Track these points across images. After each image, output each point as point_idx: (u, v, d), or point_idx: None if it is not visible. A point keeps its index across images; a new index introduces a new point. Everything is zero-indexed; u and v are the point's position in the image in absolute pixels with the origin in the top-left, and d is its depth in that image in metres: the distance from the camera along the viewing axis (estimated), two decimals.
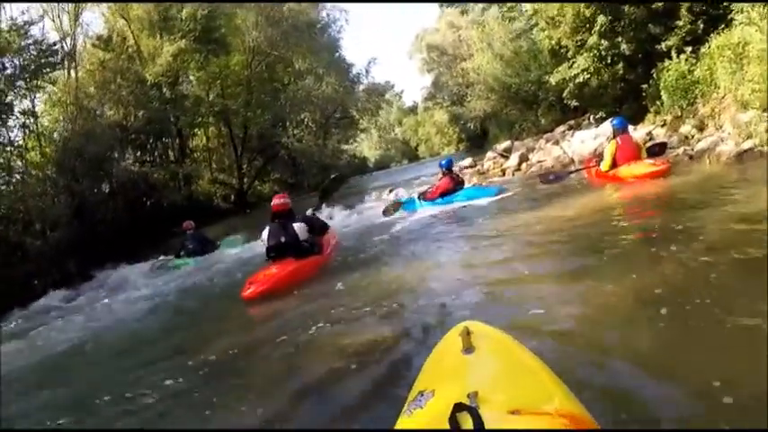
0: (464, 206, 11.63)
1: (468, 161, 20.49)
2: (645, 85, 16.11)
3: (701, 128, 12.73)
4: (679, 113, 14.08)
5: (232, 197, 34.21)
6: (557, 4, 17.09)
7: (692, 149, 11.65)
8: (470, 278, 5.89)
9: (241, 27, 34.86)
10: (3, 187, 18.83)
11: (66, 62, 23.53)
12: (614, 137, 10.69)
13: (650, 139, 13.98)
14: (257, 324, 6.74)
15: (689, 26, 14.62)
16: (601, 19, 16.44)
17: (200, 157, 35.30)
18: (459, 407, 1.57)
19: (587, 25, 16.94)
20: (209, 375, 4.85)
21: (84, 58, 26.37)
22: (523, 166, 17.70)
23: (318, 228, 8.69)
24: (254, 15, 34.22)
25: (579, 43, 17.37)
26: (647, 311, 3.78)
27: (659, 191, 8.74)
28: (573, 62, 17.43)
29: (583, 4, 16.42)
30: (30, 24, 19.96)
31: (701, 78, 13.55)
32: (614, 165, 10.39)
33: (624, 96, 18.19)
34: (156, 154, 30.04)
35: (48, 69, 20.78)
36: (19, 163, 20.18)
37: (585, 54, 16.94)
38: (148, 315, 8.61)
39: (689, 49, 14.28)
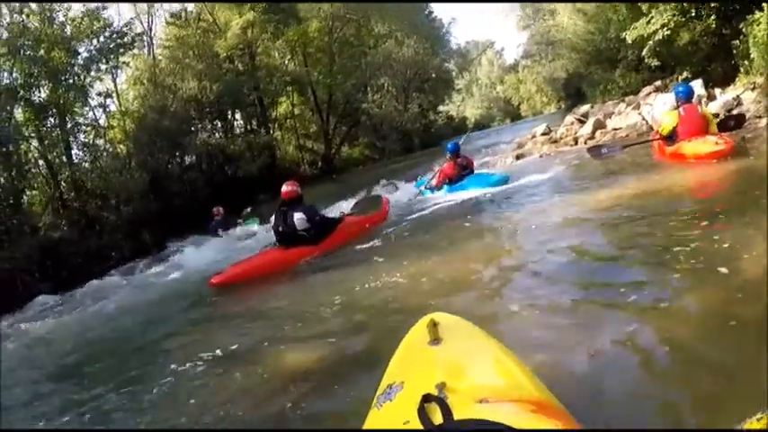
0: (482, 193, 10.62)
1: (542, 128, 18.76)
2: (736, 41, 13.76)
3: None
4: None
5: (319, 163, 34.65)
6: None
7: None
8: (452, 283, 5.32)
9: None
10: (85, 164, 20.21)
11: (143, 40, 24.91)
12: (677, 106, 9.07)
13: (737, 105, 12.50)
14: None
15: None
16: None
17: (287, 124, 35.87)
18: (427, 398, 1.60)
19: None
20: None
21: (160, 35, 27.78)
22: (597, 133, 15.75)
23: (317, 222, 8.58)
24: None
25: None
26: None
27: (719, 178, 7.43)
28: (650, 17, 14.99)
29: None
30: (102, 9, 20.92)
31: None
32: (677, 138, 8.82)
33: (714, 54, 15.78)
34: (234, 125, 31.01)
35: (122, 50, 21.69)
36: (99, 141, 21.54)
37: (664, 7, 14.59)
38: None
39: None
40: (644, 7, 16.18)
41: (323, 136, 36.33)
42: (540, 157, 15.20)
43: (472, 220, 8.67)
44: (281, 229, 8.37)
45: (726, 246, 4.25)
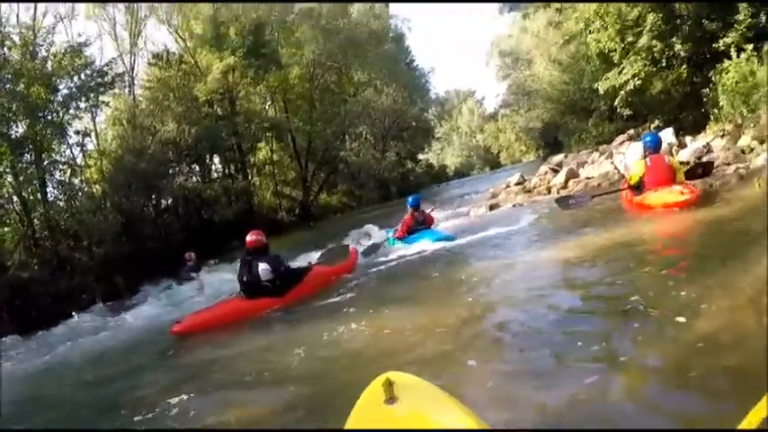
0: (452, 246, 10.63)
1: (515, 178, 18.71)
2: (706, 90, 13.97)
3: (761, 140, 10.58)
4: (740, 122, 11.82)
5: (297, 210, 34.68)
6: (596, 5, 14.86)
7: (747, 167, 9.48)
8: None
9: (300, 40, 35.72)
10: (60, 203, 19.96)
11: (124, 80, 24.87)
12: (645, 156, 9.24)
13: (707, 152, 12.62)
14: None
15: (749, 20, 12.30)
16: (651, 17, 14.22)
17: (266, 170, 35.99)
18: None
19: (636, 26, 14.65)
20: None
21: (142, 76, 28.06)
22: (570, 183, 16.08)
23: (282, 273, 8.48)
24: (312, 29, 34.92)
25: (627, 46, 15.12)
26: None
27: (683, 228, 7.58)
28: (622, 68, 15.09)
29: (625, 4, 14.19)
30: (85, 45, 20.95)
31: (764, 80, 11.99)
32: (643, 188, 9.00)
33: (685, 102, 15.97)
34: (212, 169, 31.25)
35: (102, 89, 21.52)
36: (75, 180, 21.25)
37: (634, 57, 14.76)
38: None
39: (750, 46, 11.87)
40: (615, 58, 16.28)
41: (301, 183, 36.58)
42: (513, 206, 15.29)
43: (439, 272, 8.58)
44: (245, 278, 8.33)
45: (686, 297, 4.33)
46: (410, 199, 12.59)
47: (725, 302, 4.07)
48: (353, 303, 7.49)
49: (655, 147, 9.21)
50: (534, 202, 15.04)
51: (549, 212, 11.76)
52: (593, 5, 16.17)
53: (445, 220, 15.77)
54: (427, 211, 13.13)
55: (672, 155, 13.51)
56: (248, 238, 8.51)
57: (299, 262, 10.73)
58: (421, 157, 60.53)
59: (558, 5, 20.15)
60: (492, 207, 16.08)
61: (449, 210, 17.92)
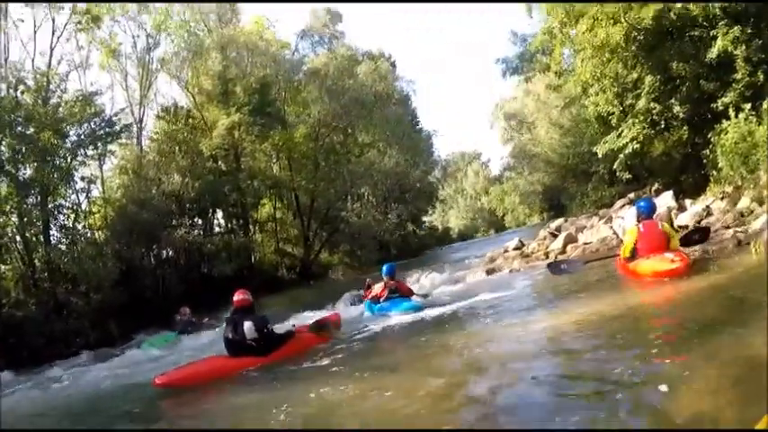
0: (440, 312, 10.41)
1: (514, 243, 18.80)
2: (706, 151, 13.94)
3: (761, 201, 10.20)
4: (739, 183, 11.46)
5: (297, 268, 34.50)
6: (590, 70, 14.76)
7: (746, 230, 9.05)
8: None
9: (306, 99, 36.73)
10: (62, 247, 20.42)
11: (132, 131, 25.68)
12: (638, 221, 9.04)
13: (707, 215, 12.58)
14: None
15: (747, 79, 12.08)
16: (649, 80, 14.05)
17: (268, 227, 36.11)
18: None
19: (635, 88, 14.50)
20: None
21: (150, 127, 28.92)
22: (569, 248, 15.79)
23: (266, 333, 8.57)
24: (317, 89, 35.77)
25: (626, 109, 14.92)
26: None
27: (672, 298, 7.33)
28: (620, 131, 14.89)
29: (622, 66, 14.07)
30: (96, 94, 21.94)
31: (763, 140, 11.81)
32: (636, 255, 8.74)
33: (686, 164, 15.67)
34: (215, 223, 31.32)
35: (110, 139, 22.21)
36: (78, 225, 21.77)
37: (633, 120, 14.55)
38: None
39: (748, 106, 11.61)
40: (613, 121, 16.10)
41: (303, 241, 36.57)
42: (510, 272, 15.13)
43: (426, 338, 8.46)
44: (230, 336, 8.46)
45: (668, 375, 4.23)
46: (385, 267, 12.61)
47: (711, 373, 4.05)
48: (337, 366, 7.54)
49: (648, 212, 9.06)
50: (531, 267, 14.84)
51: (544, 278, 11.65)
52: (589, 70, 15.98)
53: (442, 284, 15.61)
54: (404, 279, 13.50)
55: (671, 218, 13.21)
56: (235, 297, 8.70)
57: (293, 320, 11.48)
58: (425, 219, 60.34)
59: (556, 69, 20.03)
60: (489, 272, 15.94)
61: (445, 274, 17.51)
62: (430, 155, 56.33)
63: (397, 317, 10.67)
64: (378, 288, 12.08)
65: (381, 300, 11.79)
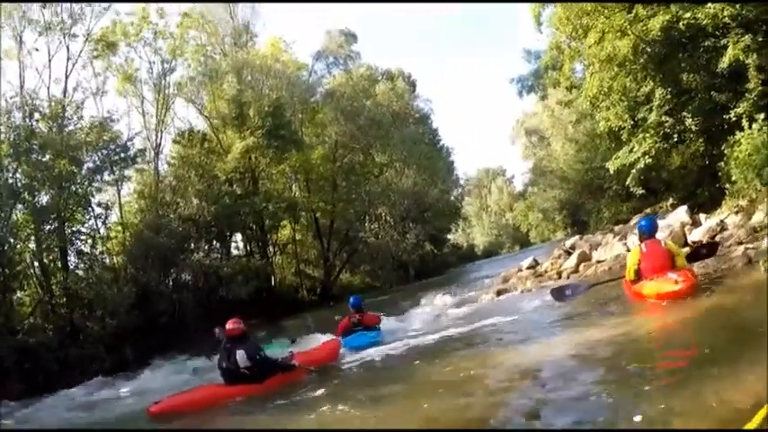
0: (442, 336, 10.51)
1: (528, 261, 18.38)
2: (721, 164, 13.60)
3: None
4: (754, 196, 10.90)
5: (318, 289, 34.69)
6: (597, 86, 14.42)
7: (757, 247, 8.64)
8: None
9: (323, 121, 36.84)
10: (79, 272, 20.53)
11: (147, 155, 25.71)
12: (640, 241, 8.85)
13: (721, 230, 12.22)
14: None
15: (760, 88, 11.66)
16: (659, 92, 13.58)
17: (288, 249, 36.27)
18: None
19: (647, 101, 14.11)
20: None
21: (167, 151, 29.12)
22: (582, 267, 15.57)
23: (258, 361, 8.59)
24: (333, 110, 36.01)
25: (639, 122, 14.49)
26: None
27: (676, 322, 7.21)
28: (632, 146, 14.49)
29: (631, 79, 13.71)
30: (111, 121, 22.36)
31: None
32: (641, 276, 8.50)
33: (701, 178, 15.15)
34: (232, 246, 31.47)
35: (124, 164, 22.65)
36: (95, 250, 21.94)
37: (643, 135, 14.12)
38: None
39: (761, 116, 11.15)
40: (624, 136, 15.66)
41: (323, 262, 36.69)
42: (521, 293, 14.93)
43: (426, 365, 8.43)
44: (224, 365, 8.58)
45: (674, 400, 4.19)
46: (352, 300, 12.76)
47: (688, 409, 3.97)
48: (332, 395, 7.53)
49: (650, 231, 8.83)
50: (543, 287, 14.43)
51: (550, 301, 11.22)
52: (596, 85, 15.57)
53: (452, 306, 15.57)
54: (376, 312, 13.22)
55: (684, 234, 12.72)
56: (228, 325, 8.71)
57: (296, 347, 11.30)
58: (450, 236, 59.85)
59: (566, 84, 19.63)
60: (500, 292, 15.72)
61: (457, 296, 17.58)
62: (451, 173, 55.92)
63: (395, 345, 10.60)
64: (343, 321, 12.25)
65: (344, 333, 11.92)
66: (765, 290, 6.98)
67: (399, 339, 11.22)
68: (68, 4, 22.38)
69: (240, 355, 8.39)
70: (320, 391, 7.78)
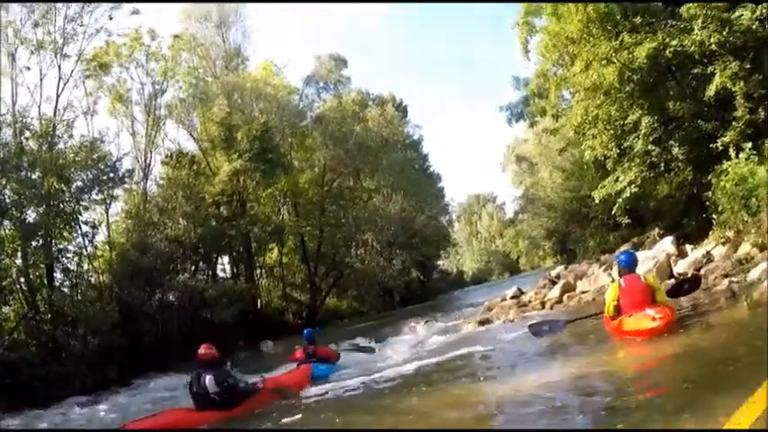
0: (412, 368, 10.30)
1: (512, 291, 18.19)
2: (709, 193, 13.32)
3: (762, 247, 9.29)
4: (740, 227, 10.51)
5: (304, 313, 34.23)
6: (581, 114, 14.16)
7: (744, 279, 8.18)
8: None
9: (312, 145, 36.98)
10: (65, 290, 20.51)
11: (134, 176, 25.73)
12: (619, 276, 8.66)
13: (707, 261, 11.85)
14: None
15: (747, 116, 11.31)
16: (645, 121, 13.25)
17: (275, 272, 36.20)
18: None
19: (634, 130, 13.83)
20: None
21: (155, 171, 29.10)
22: (565, 297, 15.42)
23: (225, 388, 8.53)
24: (321, 135, 36.18)
25: (627, 151, 14.17)
26: None
27: (653, 361, 6.90)
28: (617, 176, 14.17)
29: (617, 107, 13.39)
30: (101, 141, 22.38)
31: (764, 181, 11.11)
32: (620, 311, 8.22)
33: (688, 207, 14.91)
34: (218, 269, 31.41)
35: (111, 184, 22.51)
36: (81, 269, 21.83)
37: (629, 164, 13.84)
38: None
39: (749, 145, 10.78)
40: (609, 165, 15.34)
41: (309, 286, 36.61)
42: (504, 323, 14.74)
43: (395, 398, 8.21)
44: (194, 389, 8.58)
45: None
46: (306, 332, 12.94)
47: None
48: (302, 424, 7.57)
49: (629, 266, 8.61)
50: (525, 318, 14.28)
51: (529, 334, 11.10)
52: (580, 113, 15.31)
53: (434, 335, 15.33)
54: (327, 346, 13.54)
55: (670, 265, 12.38)
56: (200, 351, 8.73)
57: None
58: (440, 262, 59.40)
59: (552, 112, 19.39)
60: (482, 323, 15.47)
61: (442, 323, 17.56)
62: (440, 199, 55.71)
63: (366, 375, 10.41)
64: (297, 353, 12.41)
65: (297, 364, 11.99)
66: (746, 327, 6.82)
67: (376, 369, 11.08)
68: (61, 24, 22.35)
69: (209, 381, 8.36)
70: (290, 419, 7.77)
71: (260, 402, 9.04)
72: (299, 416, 7.92)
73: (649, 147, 14.73)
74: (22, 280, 19.03)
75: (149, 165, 27.64)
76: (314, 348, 12.27)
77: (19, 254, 18.92)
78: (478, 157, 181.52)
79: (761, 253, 9.88)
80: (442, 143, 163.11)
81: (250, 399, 8.93)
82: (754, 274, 8.87)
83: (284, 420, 7.80)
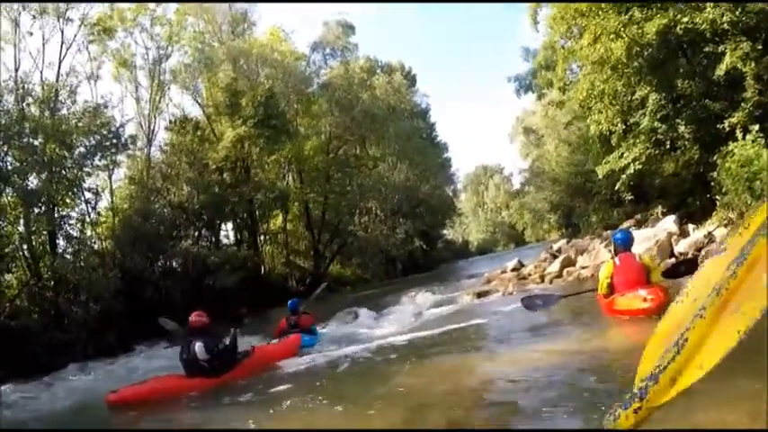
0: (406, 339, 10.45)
1: (512, 263, 17.56)
2: (714, 173, 13.03)
3: None
4: (744, 210, 10.39)
5: (308, 279, 33.99)
6: (587, 89, 13.93)
7: None
8: None
9: (318, 112, 36.56)
10: (67, 256, 20.38)
11: (138, 142, 25.55)
12: (615, 254, 8.49)
13: (709, 242, 11.85)
14: None
15: (757, 98, 11.03)
16: (653, 98, 12.97)
17: (278, 239, 36.18)
18: None
19: (642, 106, 13.57)
20: None
21: (160, 138, 28.93)
22: (565, 272, 15.51)
23: (215, 354, 8.66)
24: (327, 102, 35.82)
25: (632, 127, 13.92)
26: None
27: (632, 347, 6.08)
28: (622, 152, 13.88)
29: (624, 82, 13.09)
30: (104, 107, 22.10)
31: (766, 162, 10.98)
32: (613, 290, 8.14)
33: (693, 187, 14.64)
34: (222, 235, 31.32)
35: (114, 150, 22.25)
36: (84, 235, 21.82)
37: (634, 140, 13.57)
38: None
39: (756, 127, 10.54)
40: (614, 141, 15.10)
41: (313, 253, 36.61)
42: (503, 295, 14.65)
43: (387, 367, 8.23)
44: (184, 356, 8.64)
45: None
46: (290, 302, 13.04)
47: None
48: (289, 390, 7.54)
49: (625, 245, 8.42)
50: (524, 291, 14.15)
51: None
52: (586, 88, 15.06)
53: (434, 306, 15.28)
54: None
55: (671, 245, 12.26)
56: (191, 318, 8.80)
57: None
58: (445, 232, 59.31)
59: (559, 85, 19.09)
60: (481, 294, 15.46)
61: (441, 295, 17.41)
62: (446, 169, 55.46)
63: (358, 345, 10.56)
64: (281, 323, 12.51)
65: (280, 335, 12.01)
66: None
67: (371, 338, 11.21)
68: None
69: (198, 348, 8.46)
70: (279, 387, 7.77)
71: (250, 369, 9.11)
72: (289, 385, 7.94)
73: (656, 124, 14.63)
74: (25, 247, 19.13)
75: (153, 130, 27.71)
76: (296, 319, 12.37)
77: (21, 221, 18.96)
78: (488, 128, 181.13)
79: None
80: (452, 114, 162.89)
81: (240, 365, 9.02)
82: None
83: (273, 389, 7.75)
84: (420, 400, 5.84)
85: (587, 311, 9.10)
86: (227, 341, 9.12)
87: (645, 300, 7.32)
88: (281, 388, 7.78)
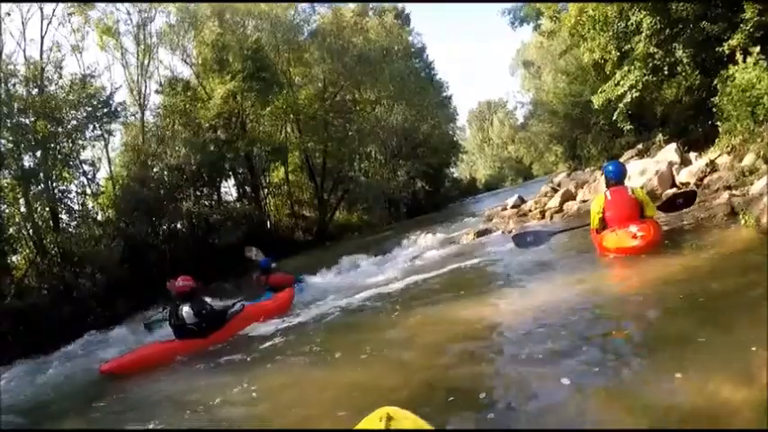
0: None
1: (513, 199, 17.29)
2: (716, 99, 12.55)
3: (767, 158, 8.66)
4: (747, 136, 9.85)
5: (314, 229, 34.19)
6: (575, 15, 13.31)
7: (745, 193, 7.69)
8: None
9: (310, 60, 35.58)
10: (70, 230, 20.59)
11: (130, 108, 25.30)
12: (607, 187, 8.20)
13: (711, 171, 11.31)
14: None
15: (756, 18, 10.48)
16: (647, 22, 12.36)
17: (282, 190, 35.88)
18: None
19: (638, 32, 12.95)
20: None
21: (152, 102, 28.52)
22: (565, 206, 15.08)
23: (204, 316, 8.99)
24: (319, 49, 34.79)
25: (628, 53, 13.30)
26: None
27: (635, 284, 6.49)
28: (617, 80, 13.30)
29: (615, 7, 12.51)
30: (91, 77, 21.76)
31: None
32: (606, 225, 7.95)
33: (696, 113, 14.14)
34: (223, 192, 30.99)
35: (106, 119, 22.20)
36: (88, 206, 22.05)
37: (629, 67, 12.98)
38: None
39: (756, 49, 9.99)
40: (608, 68, 14.54)
41: (317, 202, 36.40)
42: (503, 234, 14.35)
43: (379, 318, 8.32)
44: (173, 322, 8.95)
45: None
46: (261, 261, 13.32)
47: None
48: (275, 350, 7.74)
49: (617, 178, 8.15)
50: (525, 228, 13.94)
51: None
52: (574, 14, 14.40)
53: (433, 248, 15.22)
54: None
55: (672, 175, 11.88)
56: (177, 283, 9.09)
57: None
58: (452, 170, 58.84)
59: (551, 13, 18.43)
60: (480, 234, 15.26)
61: (442, 235, 17.11)
62: (446, 107, 54.49)
63: (353, 295, 10.66)
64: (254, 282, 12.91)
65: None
66: (742, 248, 6.33)
67: (367, 286, 11.26)
68: None
69: (186, 312, 8.87)
70: (266, 344, 8.14)
71: (239, 328, 9.45)
72: (275, 341, 8.19)
73: (652, 49, 13.92)
74: (29, 226, 19.19)
75: (145, 95, 27.26)
76: (266, 278, 12.56)
77: (21, 201, 19.07)
78: (491, 64, 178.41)
79: (766, 164, 9.35)
80: (456, 53, 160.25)
81: (229, 325, 9.34)
82: (755, 187, 8.30)
83: (262, 347, 8.06)
84: (402, 355, 5.87)
85: (583, 250, 8.79)
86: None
87: (635, 237, 7.10)
88: (267, 345, 8.09)
